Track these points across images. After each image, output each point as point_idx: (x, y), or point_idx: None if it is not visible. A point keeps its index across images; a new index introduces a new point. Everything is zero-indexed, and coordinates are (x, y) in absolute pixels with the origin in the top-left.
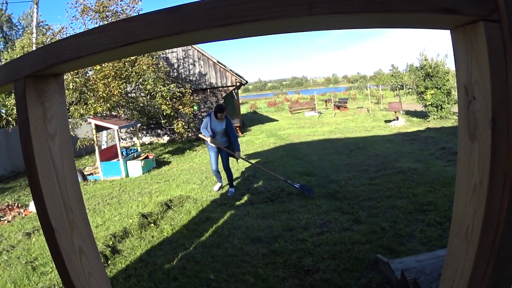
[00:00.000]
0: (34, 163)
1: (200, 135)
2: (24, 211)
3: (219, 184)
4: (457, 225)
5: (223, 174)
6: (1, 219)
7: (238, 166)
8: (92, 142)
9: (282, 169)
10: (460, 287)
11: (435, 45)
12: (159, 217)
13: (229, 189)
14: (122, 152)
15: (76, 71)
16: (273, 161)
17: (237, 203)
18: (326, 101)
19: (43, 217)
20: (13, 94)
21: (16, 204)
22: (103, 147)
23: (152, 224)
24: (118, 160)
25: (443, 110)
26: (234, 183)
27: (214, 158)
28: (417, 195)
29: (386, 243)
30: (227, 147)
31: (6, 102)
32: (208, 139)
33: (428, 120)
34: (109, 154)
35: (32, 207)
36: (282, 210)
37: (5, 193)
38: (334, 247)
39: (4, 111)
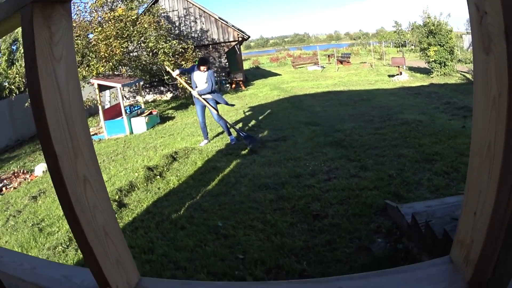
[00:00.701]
0: (38, 86)
1: (168, 69)
2: (29, 176)
3: (205, 141)
4: (478, 143)
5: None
6: (7, 186)
7: (242, 118)
8: (96, 102)
9: (286, 120)
10: (485, 209)
11: (437, 5)
12: (165, 169)
13: (230, 138)
14: (125, 110)
15: (77, 34)
16: (277, 113)
17: (243, 152)
18: (329, 56)
19: (46, 143)
20: (14, 66)
21: (21, 171)
22: (107, 107)
23: (158, 176)
24: (122, 118)
25: (446, 67)
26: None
27: (201, 111)
28: (423, 145)
29: (394, 189)
30: (215, 101)
31: (9, 73)
32: (174, 73)
33: (431, 76)
34: (112, 112)
35: (37, 171)
36: (288, 157)
37: (10, 162)
38: (342, 193)
39: (7, 83)
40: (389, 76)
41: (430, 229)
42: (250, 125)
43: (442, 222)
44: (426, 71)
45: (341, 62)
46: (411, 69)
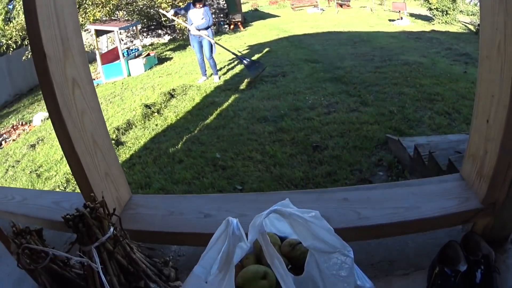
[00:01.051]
0: None
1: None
2: (28, 127)
3: (203, 78)
4: (486, 44)
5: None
6: (7, 140)
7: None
8: (93, 47)
9: (286, 57)
10: (499, 115)
11: None
12: (163, 106)
13: (213, 77)
14: (123, 53)
15: None
16: (276, 51)
17: (241, 87)
18: None
19: (35, 42)
20: (11, 23)
21: (20, 123)
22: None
23: (156, 113)
24: (119, 61)
25: (448, 15)
26: (239, 70)
27: (198, 47)
28: (424, 86)
29: (395, 125)
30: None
31: (6, 32)
32: (169, 14)
33: (432, 23)
34: (110, 57)
35: (36, 121)
36: (287, 92)
37: (9, 116)
38: (342, 126)
39: (4, 41)
40: (390, 20)
41: (434, 160)
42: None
43: (446, 154)
44: (427, 18)
45: (341, 6)
46: (412, 15)
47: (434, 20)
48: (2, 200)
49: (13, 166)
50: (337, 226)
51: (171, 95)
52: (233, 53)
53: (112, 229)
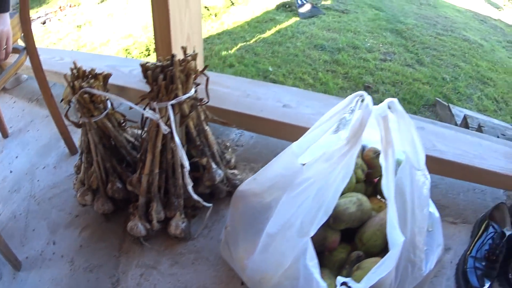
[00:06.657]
0: None
1: None
2: (77, 8)
3: None
4: None
5: None
6: (51, 19)
7: None
8: None
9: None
10: None
11: None
12: (221, 11)
13: None
14: None
15: None
16: None
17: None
18: None
19: None
20: None
21: (68, 5)
22: None
23: (213, 16)
24: None
25: None
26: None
27: None
28: (480, 67)
29: (445, 92)
30: None
31: None
32: None
33: (501, 10)
34: None
35: (85, 4)
36: (347, 29)
37: None
38: (395, 76)
39: None
40: None
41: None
42: None
43: (494, 133)
44: (497, 6)
45: None
46: None
47: (503, 9)
48: (49, 61)
49: (54, 43)
50: None
51: (232, 2)
52: None
53: (194, 89)
